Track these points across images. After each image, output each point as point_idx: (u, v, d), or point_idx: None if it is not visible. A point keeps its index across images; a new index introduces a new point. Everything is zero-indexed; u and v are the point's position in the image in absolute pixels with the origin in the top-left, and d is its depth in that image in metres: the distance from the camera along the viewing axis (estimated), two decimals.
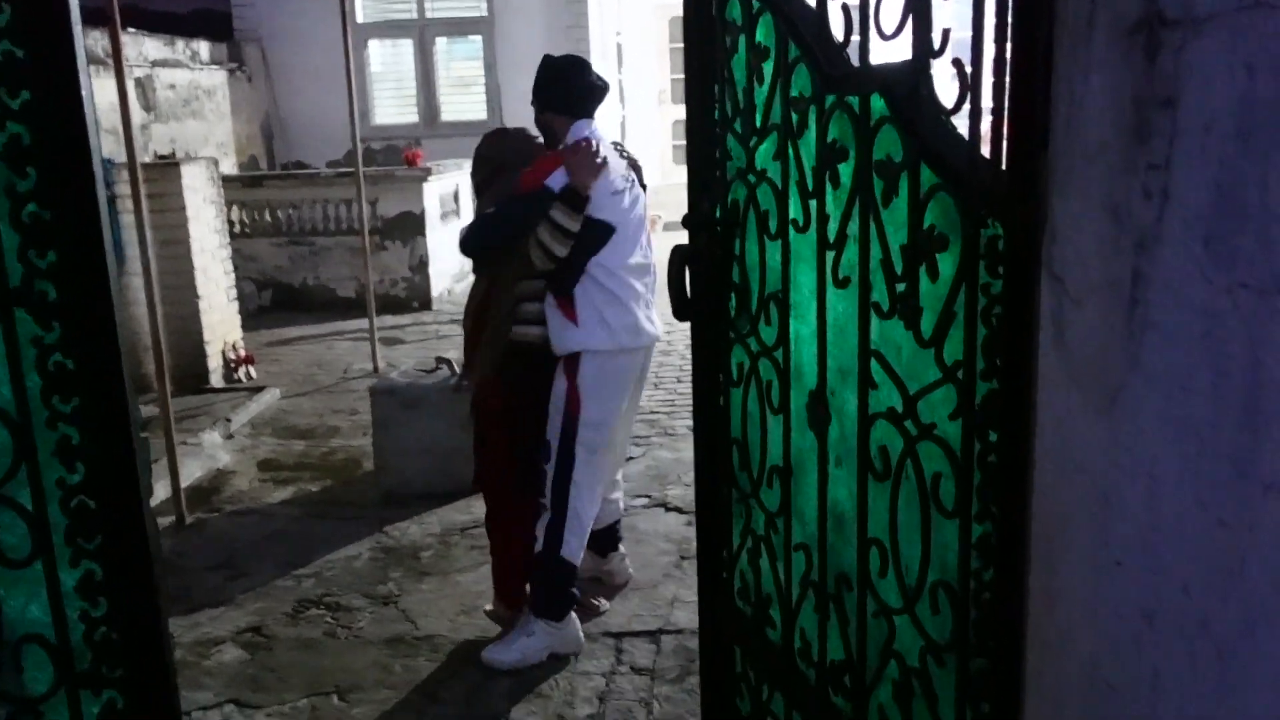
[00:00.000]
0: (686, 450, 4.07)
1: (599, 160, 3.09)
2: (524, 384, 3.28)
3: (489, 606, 3.57)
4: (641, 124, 13.94)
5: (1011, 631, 1.37)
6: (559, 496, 3.21)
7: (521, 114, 11.08)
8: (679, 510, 4.37)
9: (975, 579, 1.48)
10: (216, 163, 6.65)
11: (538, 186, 3.07)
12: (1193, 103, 0.85)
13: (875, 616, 1.75)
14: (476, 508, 4.56)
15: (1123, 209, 0.96)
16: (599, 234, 3.13)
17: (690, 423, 4.40)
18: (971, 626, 1.50)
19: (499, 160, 3.32)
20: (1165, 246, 0.90)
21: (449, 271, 9.16)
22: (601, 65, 11.44)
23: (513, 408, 3.30)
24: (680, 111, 16.88)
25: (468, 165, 9.99)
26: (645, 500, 4.57)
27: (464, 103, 11.47)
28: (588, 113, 3.25)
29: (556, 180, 3.07)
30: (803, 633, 2.02)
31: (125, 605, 1.51)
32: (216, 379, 6.40)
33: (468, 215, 9.73)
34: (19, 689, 1.56)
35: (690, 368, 2.37)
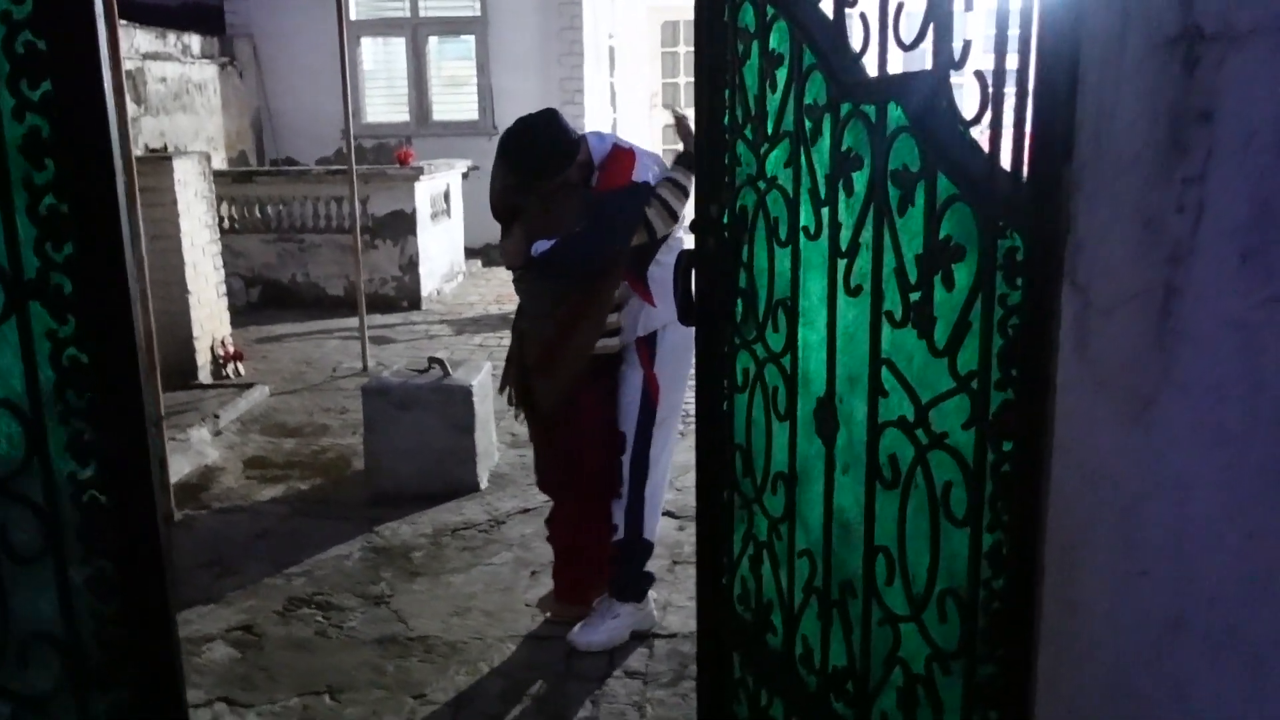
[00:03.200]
0: (680, 455, 4.07)
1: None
2: (610, 389, 3.34)
3: (548, 613, 3.58)
4: (632, 127, 13.93)
5: (1022, 639, 1.38)
6: (637, 480, 3.32)
7: (511, 114, 11.08)
8: (672, 515, 4.36)
9: (985, 587, 1.49)
10: (209, 157, 6.62)
11: (629, 182, 3.12)
12: (1231, 116, 0.86)
13: (880, 624, 1.76)
14: (467, 509, 4.56)
15: (1155, 221, 0.97)
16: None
17: (683, 428, 4.41)
18: (980, 634, 1.51)
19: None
20: (1199, 259, 0.91)
21: (439, 271, 9.14)
22: (595, 69, 11.45)
23: (597, 414, 3.34)
24: (669, 116, 16.93)
25: (460, 165, 9.94)
26: None
27: (455, 102, 11.45)
28: (574, 153, 3.19)
29: (641, 174, 3.15)
30: (804, 639, 2.03)
31: (136, 603, 1.50)
32: (205, 375, 6.36)
33: (458, 216, 9.70)
34: (25, 687, 1.54)
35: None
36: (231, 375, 6.50)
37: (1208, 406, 0.91)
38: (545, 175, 3.15)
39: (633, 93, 14.32)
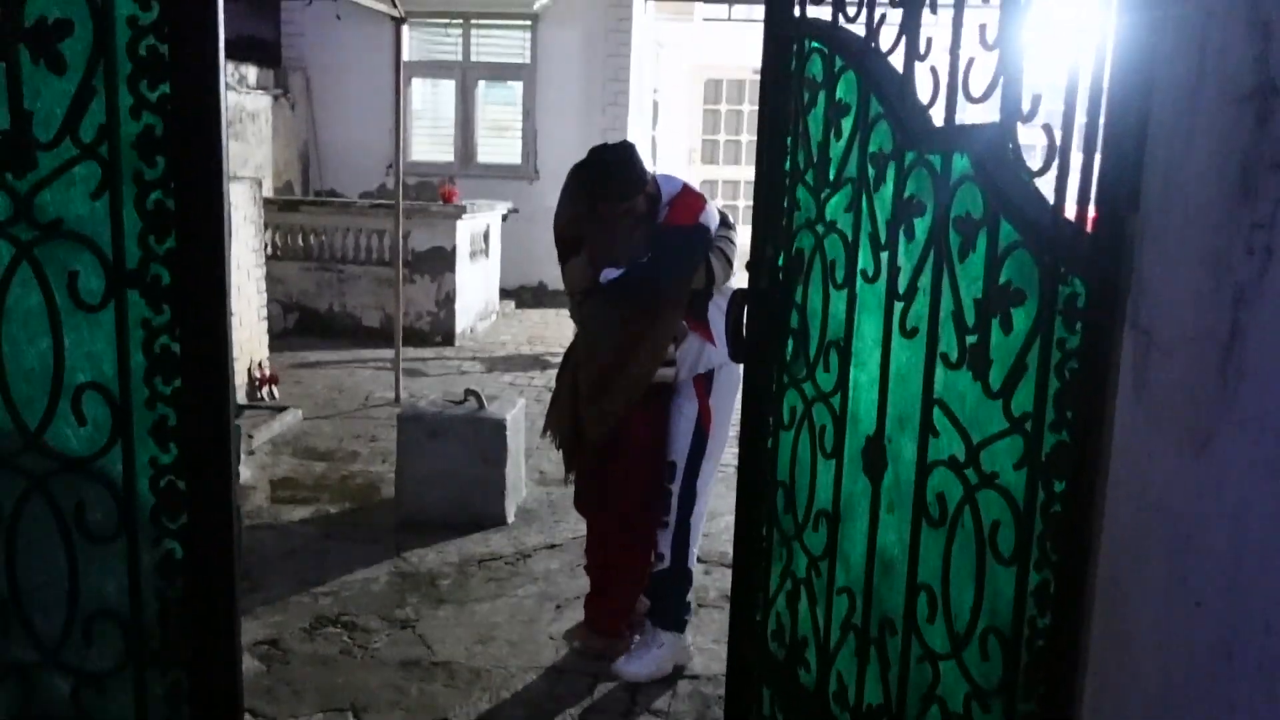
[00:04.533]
0: (710, 502, 4.09)
1: None
2: (653, 418, 3.40)
3: (575, 643, 3.60)
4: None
5: (1067, 675, 1.40)
6: (685, 510, 3.38)
7: (554, 160, 11.12)
8: (699, 559, 4.38)
9: (1029, 626, 1.52)
10: (260, 183, 6.77)
11: (695, 223, 3.25)
12: None
13: (919, 661, 1.78)
14: (494, 540, 4.59)
15: (1222, 264, 1.02)
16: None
17: (721, 473, 4.44)
18: (1022, 671, 1.53)
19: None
20: (1265, 300, 0.96)
21: (474, 309, 9.24)
22: (638, 121, 11.65)
23: (646, 438, 3.40)
24: (710, 171, 17.15)
25: (500, 206, 10.08)
26: None
27: (499, 145, 11.66)
28: (642, 183, 3.29)
29: (707, 220, 3.29)
30: (839, 676, 2.05)
31: (202, 587, 1.55)
32: (240, 396, 6.45)
33: (495, 256, 9.84)
34: (86, 663, 1.59)
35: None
36: (266, 398, 6.59)
37: (1269, 442, 0.95)
38: (618, 198, 3.23)
39: (673, 146, 14.54)
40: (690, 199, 3.33)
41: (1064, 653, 1.42)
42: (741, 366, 3.32)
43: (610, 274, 3.23)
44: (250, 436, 5.72)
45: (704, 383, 3.36)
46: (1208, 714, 1.04)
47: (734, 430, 4.94)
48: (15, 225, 1.52)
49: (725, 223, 3.40)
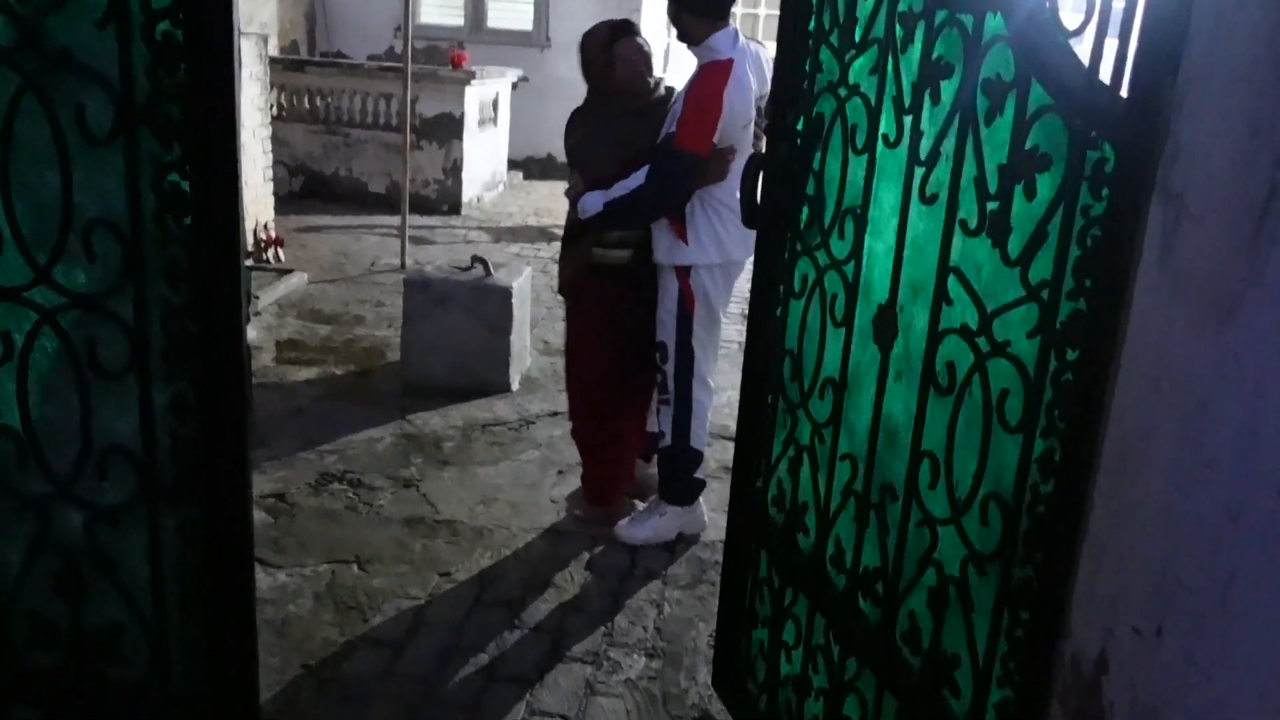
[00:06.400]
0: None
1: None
2: (620, 298, 3.42)
3: (577, 510, 3.69)
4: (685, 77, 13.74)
5: (1066, 540, 1.43)
6: (682, 390, 3.39)
7: (566, 28, 10.84)
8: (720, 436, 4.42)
9: (1032, 492, 1.53)
10: (265, 39, 6.61)
11: (707, 152, 3.09)
12: None
13: (918, 525, 1.81)
14: (498, 407, 4.64)
15: (1264, 129, 0.99)
16: (724, 160, 3.20)
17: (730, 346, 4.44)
18: (1021, 537, 1.56)
19: (597, 83, 3.35)
20: None
21: (481, 179, 9.13)
22: (653, 16, 11.28)
23: (607, 318, 3.43)
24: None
25: (511, 74, 9.85)
26: None
27: (511, 10, 11.33)
28: (725, 14, 3.20)
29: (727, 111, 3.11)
30: (838, 540, 2.09)
31: (213, 425, 1.57)
32: (246, 258, 6.43)
33: (504, 125, 9.67)
34: (99, 498, 1.61)
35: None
36: (271, 260, 6.57)
37: None
38: (638, 32, 3.27)
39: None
40: (709, 81, 3.12)
41: (1065, 518, 1.44)
42: (733, 267, 3.35)
43: (594, 201, 3.21)
44: (256, 297, 5.72)
45: (684, 270, 3.30)
46: (1207, 579, 1.06)
47: (736, 307, 4.96)
48: (21, 55, 1.48)
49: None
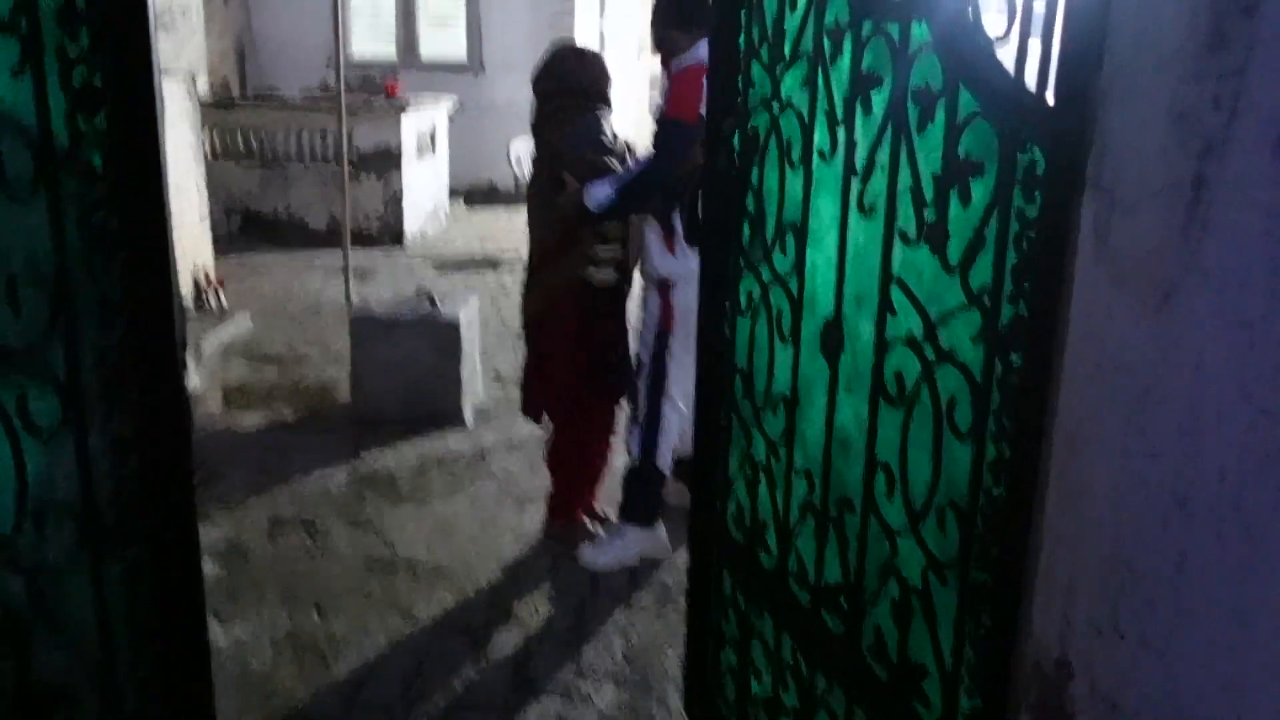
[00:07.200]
0: None
1: None
2: (596, 313, 3.45)
3: (551, 529, 3.70)
4: (620, 74, 13.80)
5: (1018, 543, 1.42)
6: (652, 408, 3.37)
7: (499, 53, 10.78)
8: None
9: (985, 496, 1.53)
10: (194, 77, 6.51)
11: (695, 118, 3.01)
12: (1274, 11, 0.89)
13: (877, 538, 1.80)
14: (451, 439, 4.59)
15: (1189, 116, 1.00)
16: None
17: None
18: (976, 541, 1.55)
19: (579, 86, 3.41)
20: (1232, 151, 0.95)
21: (423, 209, 9.06)
22: (585, 12, 11.32)
23: (583, 334, 3.45)
24: (657, 64, 16.77)
25: (445, 102, 9.78)
26: None
27: (443, 39, 11.30)
28: (707, 23, 3.19)
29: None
30: (799, 556, 2.07)
31: (155, 459, 1.51)
32: (186, 303, 6.31)
33: (443, 154, 9.61)
34: (39, 556, 1.55)
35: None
36: (212, 303, 6.45)
37: (1230, 292, 0.95)
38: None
39: (621, 40, 14.18)
40: (687, 83, 3.09)
41: (1015, 521, 1.44)
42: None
43: (601, 191, 3.20)
44: (199, 344, 5.62)
45: (666, 284, 3.32)
46: (1157, 561, 1.06)
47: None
48: None
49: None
